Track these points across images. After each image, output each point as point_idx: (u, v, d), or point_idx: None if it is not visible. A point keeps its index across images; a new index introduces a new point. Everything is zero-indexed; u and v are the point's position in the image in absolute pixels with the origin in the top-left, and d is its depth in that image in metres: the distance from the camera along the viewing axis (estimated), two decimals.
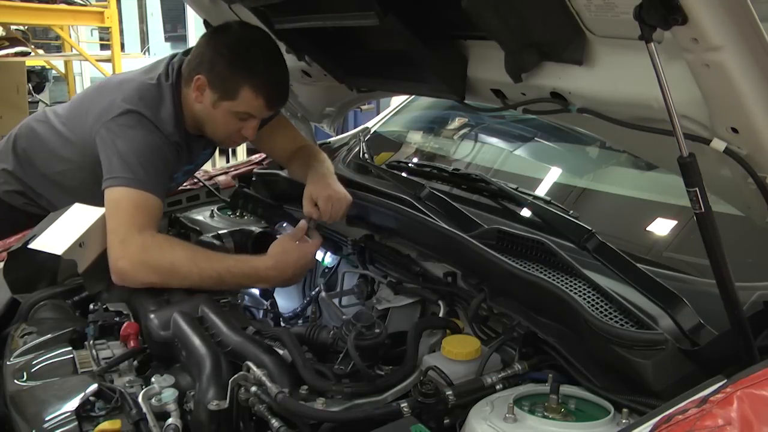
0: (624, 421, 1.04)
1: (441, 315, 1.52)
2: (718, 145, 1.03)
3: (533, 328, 1.31)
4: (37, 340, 1.52)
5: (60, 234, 1.65)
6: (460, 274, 1.57)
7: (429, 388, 1.17)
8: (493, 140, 2.29)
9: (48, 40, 10.25)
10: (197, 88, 1.76)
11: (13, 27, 7.89)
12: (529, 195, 1.72)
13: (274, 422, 1.16)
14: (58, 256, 1.62)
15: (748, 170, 1.02)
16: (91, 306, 1.68)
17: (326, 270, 2.16)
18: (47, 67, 8.73)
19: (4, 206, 2.13)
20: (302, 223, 1.75)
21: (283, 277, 1.67)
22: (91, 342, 1.51)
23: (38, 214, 1.84)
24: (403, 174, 2.04)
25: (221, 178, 2.48)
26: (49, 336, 1.53)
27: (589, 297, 1.23)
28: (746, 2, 0.86)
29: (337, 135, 2.71)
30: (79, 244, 1.62)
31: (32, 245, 1.63)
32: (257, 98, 1.72)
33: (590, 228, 1.41)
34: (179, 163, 1.89)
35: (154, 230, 1.62)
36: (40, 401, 1.30)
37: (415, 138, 2.55)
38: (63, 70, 8.29)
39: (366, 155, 2.31)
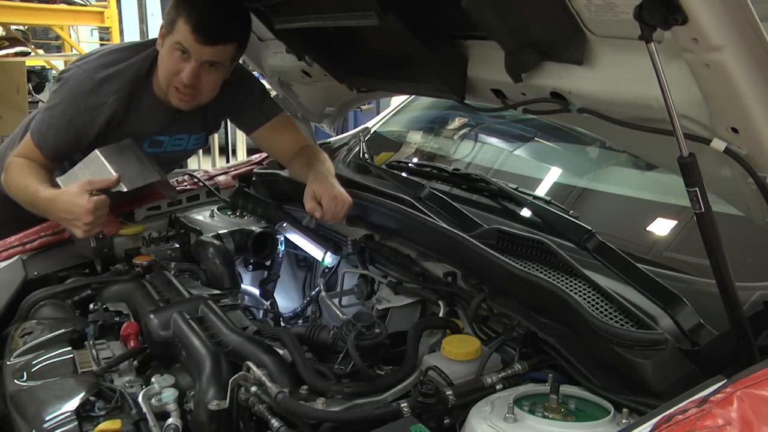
0: (624, 421, 1.04)
1: (441, 315, 1.52)
2: (718, 145, 1.03)
3: (533, 328, 1.31)
4: (37, 340, 1.52)
5: (132, 169, 1.82)
6: (460, 274, 1.57)
7: (429, 388, 1.17)
8: (493, 140, 2.29)
9: (48, 40, 10.25)
10: (160, 36, 1.82)
11: (13, 27, 7.89)
12: (529, 195, 1.72)
13: (274, 422, 1.16)
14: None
15: (748, 170, 1.02)
16: (91, 306, 1.68)
17: (326, 270, 2.16)
18: (47, 67, 8.73)
19: (10, 203, 2.13)
20: (102, 180, 1.75)
21: (49, 212, 1.77)
22: (91, 342, 1.51)
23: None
24: (403, 174, 2.04)
25: (221, 178, 2.48)
26: (49, 336, 1.53)
27: (589, 297, 1.23)
28: (746, 2, 0.86)
29: (337, 135, 2.71)
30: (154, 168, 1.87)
31: (128, 187, 1.76)
32: (186, 24, 1.71)
33: (590, 228, 1.41)
34: (123, 127, 1.91)
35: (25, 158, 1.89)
36: (40, 401, 1.30)
37: (415, 138, 2.55)
38: None
39: (366, 155, 2.31)
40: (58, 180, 1.82)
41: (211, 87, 1.86)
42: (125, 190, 1.76)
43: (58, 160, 1.92)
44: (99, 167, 1.77)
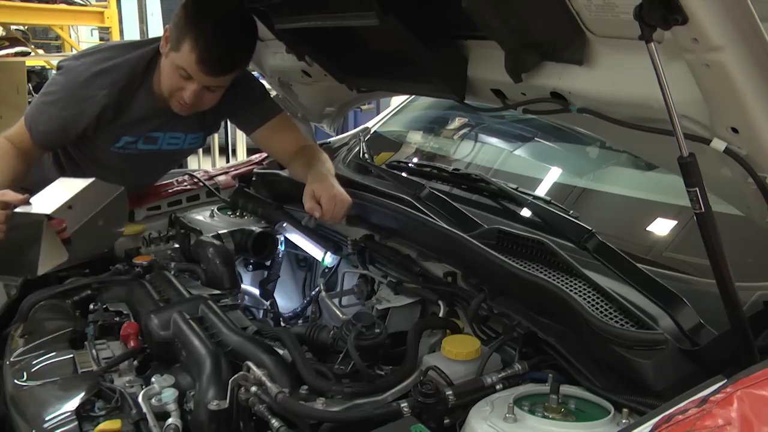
0: (624, 421, 1.04)
1: (441, 315, 1.52)
2: (718, 145, 1.03)
3: (533, 328, 1.31)
4: (37, 341, 1.52)
5: (48, 198, 1.62)
6: (460, 274, 1.57)
7: (429, 388, 1.16)
8: (493, 140, 2.29)
9: (48, 40, 10.26)
10: (165, 38, 1.81)
11: (13, 27, 7.89)
12: (529, 195, 1.72)
13: (274, 422, 1.16)
14: (42, 244, 1.60)
15: (748, 170, 1.02)
16: (91, 306, 1.68)
17: (326, 270, 2.16)
18: (47, 67, 8.73)
19: None
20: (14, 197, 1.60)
21: None
22: (91, 342, 1.51)
23: None
24: (403, 174, 2.04)
25: (221, 178, 2.48)
26: (49, 336, 1.53)
27: (589, 297, 1.23)
28: (746, 2, 0.86)
29: (337, 135, 2.71)
30: (68, 206, 1.60)
31: (19, 209, 1.57)
32: (191, 53, 1.70)
33: (590, 228, 1.41)
34: (117, 122, 1.90)
35: (15, 141, 1.87)
36: (40, 401, 1.30)
37: (415, 138, 2.55)
38: None
39: (366, 155, 2.31)
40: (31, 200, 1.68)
41: (211, 102, 1.88)
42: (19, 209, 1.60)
43: (46, 147, 1.92)
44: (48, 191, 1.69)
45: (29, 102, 6.79)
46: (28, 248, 1.67)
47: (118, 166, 2.06)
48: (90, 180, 1.69)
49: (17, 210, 1.57)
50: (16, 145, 1.85)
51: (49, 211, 1.56)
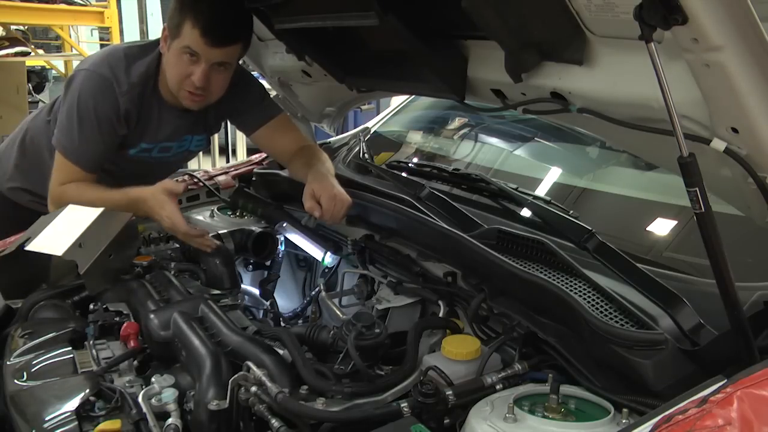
0: (624, 421, 1.04)
1: (441, 315, 1.52)
2: (718, 145, 1.03)
3: (533, 328, 1.31)
4: (37, 340, 1.52)
5: (57, 235, 1.65)
6: (460, 274, 1.57)
7: (429, 388, 1.16)
8: (493, 140, 2.29)
9: (48, 40, 10.25)
10: (163, 39, 1.83)
11: (13, 27, 7.89)
12: (529, 195, 1.72)
13: (274, 422, 1.16)
14: (52, 257, 1.61)
15: (748, 170, 1.02)
16: (91, 306, 1.68)
17: (326, 270, 2.16)
18: (47, 67, 8.74)
19: (9, 203, 2.13)
20: (178, 186, 1.81)
21: (139, 209, 1.82)
22: (91, 342, 1.51)
23: (43, 212, 1.84)
24: (403, 174, 2.04)
25: (221, 178, 2.48)
26: (49, 336, 1.53)
27: (589, 297, 1.23)
28: (746, 2, 0.86)
29: (337, 135, 2.71)
30: (79, 244, 1.63)
31: (29, 247, 1.62)
32: (194, 29, 1.72)
33: (590, 228, 1.41)
34: (136, 128, 1.93)
35: (71, 182, 1.90)
36: (40, 401, 1.30)
37: (415, 138, 2.55)
38: (63, 70, 8.30)
39: (366, 155, 2.31)
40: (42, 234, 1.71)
41: (221, 86, 1.88)
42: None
43: (96, 171, 1.93)
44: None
45: (29, 102, 6.82)
46: (37, 265, 1.69)
47: (128, 171, 2.06)
48: (98, 210, 1.71)
49: (27, 248, 1.61)
50: (75, 181, 1.87)
51: (60, 252, 1.61)
